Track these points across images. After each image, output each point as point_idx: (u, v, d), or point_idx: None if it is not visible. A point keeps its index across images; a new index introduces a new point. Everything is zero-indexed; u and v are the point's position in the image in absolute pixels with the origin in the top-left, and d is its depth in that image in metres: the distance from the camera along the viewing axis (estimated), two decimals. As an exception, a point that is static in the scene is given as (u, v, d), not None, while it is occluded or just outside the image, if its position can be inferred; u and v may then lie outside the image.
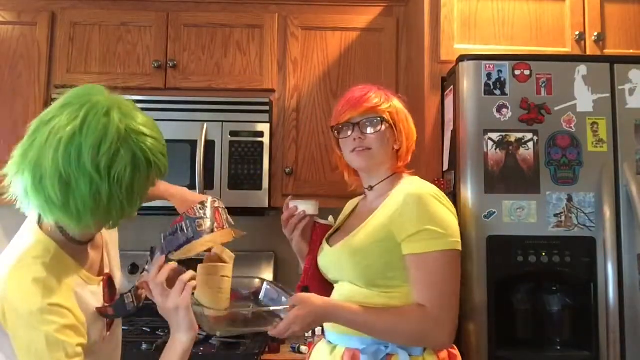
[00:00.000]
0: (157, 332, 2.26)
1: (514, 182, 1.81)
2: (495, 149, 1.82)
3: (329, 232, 1.62)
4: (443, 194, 1.45)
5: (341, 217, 1.69)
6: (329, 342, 1.49)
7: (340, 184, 2.54)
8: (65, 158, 1.06)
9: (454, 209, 1.45)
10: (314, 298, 1.36)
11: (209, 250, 1.37)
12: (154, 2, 2.60)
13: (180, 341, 1.22)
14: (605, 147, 1.84)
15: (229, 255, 1.42)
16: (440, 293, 1.35)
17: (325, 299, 1.39)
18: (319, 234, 1.60)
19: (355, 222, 1.54)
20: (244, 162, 2.41)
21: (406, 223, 1.37)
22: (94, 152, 1.06)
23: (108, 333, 1.30)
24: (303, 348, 2.19)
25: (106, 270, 1.34)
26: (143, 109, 2.57)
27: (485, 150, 1.82)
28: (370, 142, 1.48)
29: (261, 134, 2.43)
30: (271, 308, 1.42)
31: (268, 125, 2.45)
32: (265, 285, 1.55)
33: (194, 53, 2.56)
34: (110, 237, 1.42)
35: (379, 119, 1.48)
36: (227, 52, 2.57)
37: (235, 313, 1.38)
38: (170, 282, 1.24)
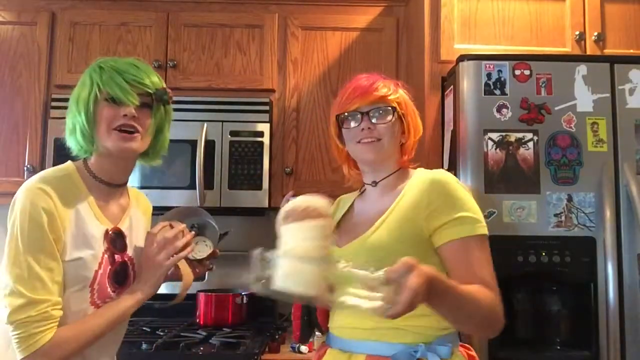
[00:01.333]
0: (157, 332, 2.26)
1: (514, 182, 1.81)
2: (495, 149, 1.82)
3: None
4: None
5: (337, 215, 1.52)
6: (341, 349, 1.33)
7: (340, 183, 2.55)
8: None
9: None
10: (420, 264, 1.03)
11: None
12: (154, 2, 2.60)
13: (140, 291, 1.37)
14: (605, 147, 1.84)
15: (324, 205, 1.14)
16: (491, 274, 1.27)
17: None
18: None
19: (360, 221, 1.42)
20: (244, 162, 2.41)
21: (438, 211, 1.27)
22: None
23: (113, 293, 1.37)
24: (303, 348, 2.18)
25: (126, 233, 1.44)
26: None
27: (485, 150, 1.82)
28: (380, 132, 1.37)
29: (261, 134, 2.42)
30: (380, 273, 1.01)
31: (268, 125, 2.45)
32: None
33: (194, 53, 2.56)
34: (140, 222, 1.52)
35: (389, 108, 1.37)
36: (227, 52, 2.57)
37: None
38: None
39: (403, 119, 1.41)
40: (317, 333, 2.26)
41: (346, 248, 1.35)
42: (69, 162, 1.40)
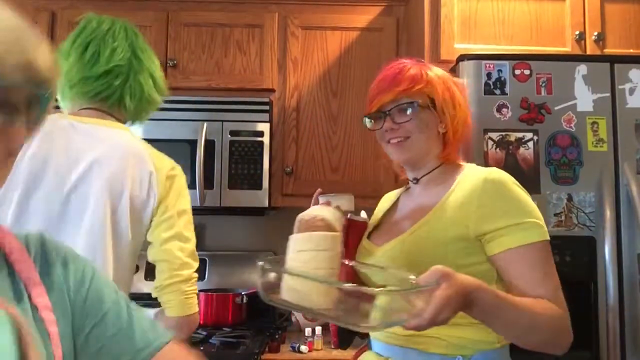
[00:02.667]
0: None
1: (514, 182, 1.81)
2: (496, 149, 1.82)
3: (370, 230, 1.40)
4: None
5: (378, 212, 1.46)
6: (378, 353, 1.28)
7: (340, 183, 2.56)
8: None
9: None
10: (457, 273, 0.99)
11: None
12: (154, 2, 2.60)
13: None
14: (605, 146, 1.84)
15: (331, 216, 1.13)
16: (555, 287, 1.14)
17: (467, 275, 1.02)
18: (355, 233, 1.36)
19: (401, 218, 1.34)
20: (244, 162, 2.41)
21: (490, 215, 1.16)
22: None
23: None
24: (303, 347, 2.19)
25: None
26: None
27: (485, 149, 1.82)
28: (406, 130, 1.27)
29: (261, 134, 2.42)
30: (413, 289, 0.96)
31: (268, 124, 2.45)
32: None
33: (194, 52, 2.56)
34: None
35: (414, 103, 1.26)
36: (227, 52, 2.56)
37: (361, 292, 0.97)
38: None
39: (434, 107, 1.28)
40: (317, 333, 2.27)
41: (383, 247, 1.28)
42: None
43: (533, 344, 1.10)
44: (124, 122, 1.49)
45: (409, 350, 1.20)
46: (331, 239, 1.11)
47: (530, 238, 1.14)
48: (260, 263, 1.04)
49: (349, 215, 1.33)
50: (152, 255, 1.39)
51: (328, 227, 1.13)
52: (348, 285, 1.04)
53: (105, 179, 1.32)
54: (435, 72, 1.31)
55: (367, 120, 1.34)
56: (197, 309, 1.39)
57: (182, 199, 1.42)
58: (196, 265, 1.40)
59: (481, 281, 1.03)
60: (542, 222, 1.17)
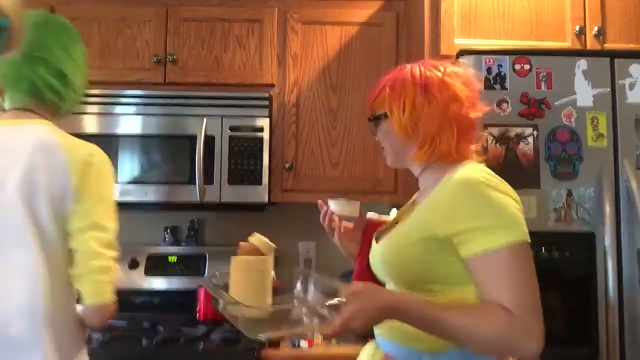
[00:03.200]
0: (156, 328, 2.26)
1: (513, 177, 1.77)
2: (495, 144, 1.82)
3: (382, 228, 1.44)
4: (499, 178, 1.20)
5: (401, 209, 1.47)
6: (376, 343, 1.34)
7: (339, 179, 2.55)
8: None
9: (515, 195, 1.20)
10: (375, 288, 1.14)
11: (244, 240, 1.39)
12: (153, -3, 2.60)
13: None
14: (605, 141, 1.83)
15: (267, 246, 1.33)
16: (519, 293, 1.10)
17: (389, 290, 1.19)
18: (369, 232, 1.44)
19: (406, 215, 1.38)
20: (244, 157, 2.41)
21: (457, 217, 1.15)
22: None
23: None
24: (303, 343, 2.19)
25: None
26: (142, 104, 2.58)
27: (485, 145, 1.82)
28: (379, 140, 1.38)
29: (261, 129, 2.42)
30: (327, 303, 1.15)
31: (268, 120, 2.45)
32: (310, 280, 1.36)
33: (194, 48, 2.55)
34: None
35: (370, 117, 1.37)
36: (227, 47, 2.56)
37: (282, 311, 1.23)
38: None
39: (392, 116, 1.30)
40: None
41: (379, 245, 1.34)
42: None
43: (479, 350, 1.14)
44: (51, 116, 1.49)
45: (389, 341, 1.26)
46: (261, 263, 1.31)
47: (498, 242, 1.11)
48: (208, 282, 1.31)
49: (368, 215, 1.49)
50: (70, 244, 1.39)
51: (256, 251, 1.32)
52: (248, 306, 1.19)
53: (17, 180, 1.34)
54: (402, 74, 1.30)
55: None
56: (111, 298, 1.38)
57: (102, 186, 1.42)
58: (112, 254, 1.39)
59: (404, 297, 1.15)
60: (517, 223, 1.14)
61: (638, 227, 1.79)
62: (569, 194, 1.81)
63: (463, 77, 1.30)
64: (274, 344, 2.18)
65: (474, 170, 1.21)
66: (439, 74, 1.28)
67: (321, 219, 1.52)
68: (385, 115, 1.31)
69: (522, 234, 1.14)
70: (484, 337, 1.09)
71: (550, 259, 1.77)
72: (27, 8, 2.72)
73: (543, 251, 1.77)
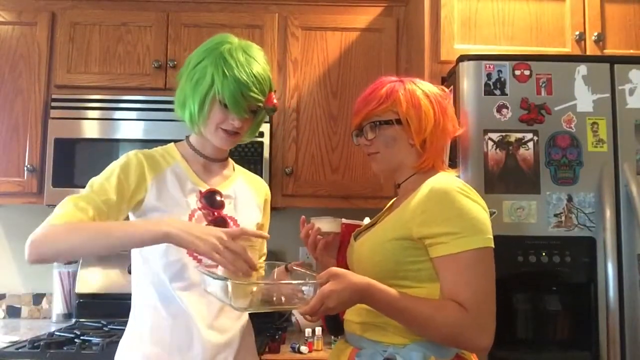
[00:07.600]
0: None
1: (514, 182, 1.81)
2: (496, 149, 1.82)
3: (360, 229, 1.54)
4: (471, 188, 1.31)
5: (379, 213, 1.56)
6: (346, 341, 1.43)
7: (340, 184, 2.56)
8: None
9: (484, 204, 1.31)
10: (349, 274, 1.21)
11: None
12: (154, 2, 2.60)
13: (166, 224, 1.31)
14: (605, 147, 1.84)
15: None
16: (475, 292, 1.22)
17: (362, 276, 1.24)
18: (346, 233, 1.54)
19: (384, 217, 1.47)
20: (244, 162, 2.39)
21: (430, 221, 1.25)
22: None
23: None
24: (303, 348, 2.19)
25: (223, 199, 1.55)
26: (143, 109, 2.59)
27: (485, 150, 1.82)
28: (376, 146, 1.41)
29: (261, 134, 2.42)
30: (303, 282, 1.30)
31: (268, 125, 2.45)
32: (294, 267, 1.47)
33: (194, 53, 2.55)
34: (246, 194, 1.68)
35: (378, 122, 1.39)
36: (227, 52, 2.56)
37: (267, 287, 1.32)
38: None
39: (405, 122, 1.37)
40: (317, 333, 2.27)
41: (357, 242, 1.45)
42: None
43: (436, 340, 1.25)
44: None
45: (359, 337, 1.35)
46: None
47: (464, 246, 1.23)
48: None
49: (342, 220, 1.56)
50: None
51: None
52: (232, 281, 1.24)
53: None
54: (410, 88, 1.41)
55: (353, 135, 1.50)
56: None
57: None
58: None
59: (374, 282, 1.22)
60: (483, 231, 1.25)
61: (638, 232, 1.79)
62: (570, 199, 1.81)
63: (447, 95, 1.46)
64: (274, 349, 2.18)
65: (449, 179, 1.32)
66: (438, 91, 1.44)
67: (302, 236, 1.54)
68: (398, 122, 1.38)
69: (486, 240, 1.26)
70: (437, 327, 1.21)
71: (550, 263, 1.77)
72: (29, 13, 2.73)
73: (543, 256, 1.77)
